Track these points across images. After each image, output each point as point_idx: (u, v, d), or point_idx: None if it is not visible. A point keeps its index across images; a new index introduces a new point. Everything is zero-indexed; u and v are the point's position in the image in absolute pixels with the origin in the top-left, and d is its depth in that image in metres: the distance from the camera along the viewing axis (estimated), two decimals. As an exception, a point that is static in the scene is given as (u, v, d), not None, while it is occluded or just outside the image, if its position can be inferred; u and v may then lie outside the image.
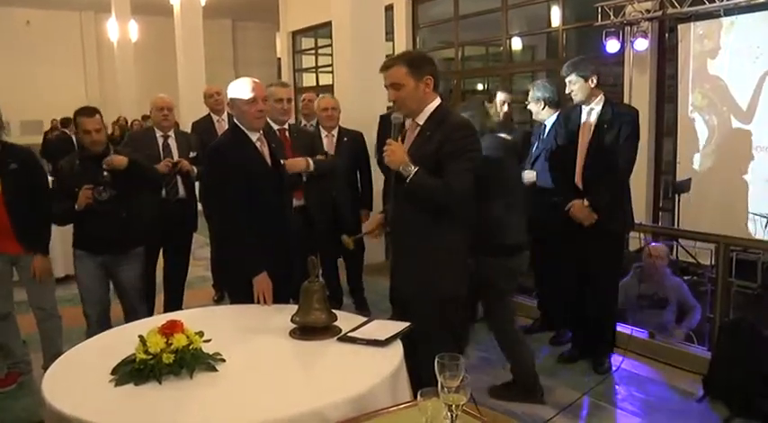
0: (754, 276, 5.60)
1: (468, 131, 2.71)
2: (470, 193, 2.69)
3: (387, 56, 7.36)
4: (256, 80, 3.04)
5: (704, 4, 6.19)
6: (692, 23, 6.66)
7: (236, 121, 3.04)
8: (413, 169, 2.61)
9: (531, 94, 4.47)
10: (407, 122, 2.82)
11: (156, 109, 4.61)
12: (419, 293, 2.75)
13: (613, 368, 3.99)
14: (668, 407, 3.56)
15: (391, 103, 3.67)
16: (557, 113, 4.37)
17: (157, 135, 4.58)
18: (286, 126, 4.16)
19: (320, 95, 5.23)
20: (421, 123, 2.74)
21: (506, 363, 4.01)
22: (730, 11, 6.18)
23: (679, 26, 6.80)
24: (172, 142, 4.60)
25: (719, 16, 6.32)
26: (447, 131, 2.67)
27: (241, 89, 2.96)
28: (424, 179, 2.62)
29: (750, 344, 3.54)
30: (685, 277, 5.73)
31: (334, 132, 4.86)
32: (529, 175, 4.40)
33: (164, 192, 4.45)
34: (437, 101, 2.76)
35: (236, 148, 2.95)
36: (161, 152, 4.52)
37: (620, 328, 4.23)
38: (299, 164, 3.79)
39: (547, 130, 4.40)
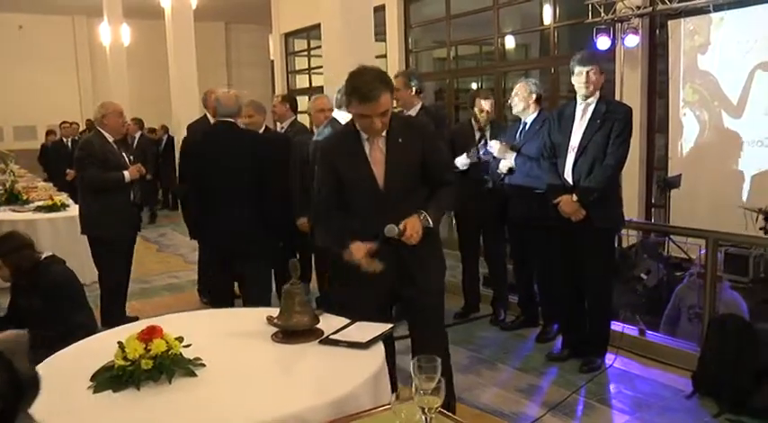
0: (746, 270, 5.60)
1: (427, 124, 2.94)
2: None
3: (376, 57, 7.40)
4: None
5: (693, -1, 6.20)
6: (681, 19, 6.65)
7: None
8: (429, 219, 2.67)
9: (522, 90, 4.41)
10: (370, 140, 2.73)
11: (117, 114, 4.74)
12: (439, 289, 2.96)
13: (604, 366, 3.98)
14: (658, 404, 3.55)
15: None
16: (538, 111, 4.40)
17: (110, 141, 4.73)
18: None
19: (314, 96, 5.12)
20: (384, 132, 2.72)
21: (497, 362, 4.04)
22: (719, 6, 6.18)
23: (669, 22, 6.79)
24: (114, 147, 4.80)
25: (709, 12, 6.31)
26: (421, 134, 2.81)
27: None
28: (439, 208, 2.76)
29: (738, 339, 3.54)
30: (677, 273, 5.75)
31: None
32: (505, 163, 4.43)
33: (132, 196, 4.75)
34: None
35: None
36: (126, 158, 4.78)
37: (612, 325, 4.22)
38: None
39: (528, 127, 4.41)
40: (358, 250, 2.63)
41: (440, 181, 2.82)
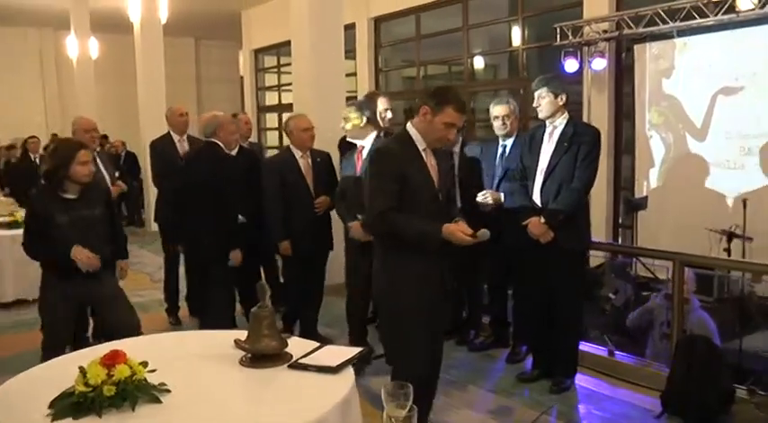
0: (710, 290, 5.69)
1: None
2: None
3: (346, 75, 7.42)
4: None
5: (658, 25, 6.33)
6: (647, 44, 6.80)
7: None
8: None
9: (508, 108, 4.31)
10: (426, 151, 2.92)
11: (83, 130, 4.58)
12: None
13: (574, 386, 3.98)
14: (627, 424, 3.57)
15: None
16: (516, 134, 4.35)
17: None
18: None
19: (296, 114, 4.87)
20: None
21: (467, 383, 4.01)
22: (683, 32, 6.33)
23: (635, 46, 6.94)
24: (99, 163, 4.63)
25: (673, 37, 6.46)
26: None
27: None
28: None
29: (705, 359, 3.57)
30: (644, 293, 5.82)
31: (308, 153, 4.63)
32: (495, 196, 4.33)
33: (125, 211, 4.58)
34: None
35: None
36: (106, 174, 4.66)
37: (581, 345, 4.23)
38: None
39: (509, 152, 4.33)
40: (455, 229, 2.75)
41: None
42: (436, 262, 2.91)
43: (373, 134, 4.30)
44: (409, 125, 2.95)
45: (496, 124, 4.37)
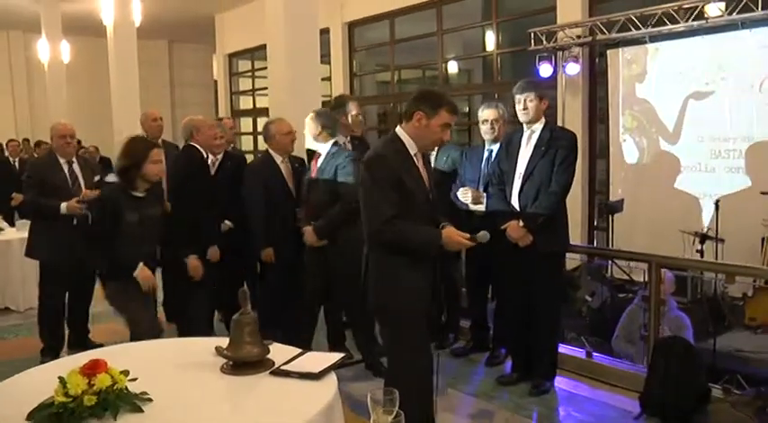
0: (684, 291, 5.78)
1: None
2: None
3: (322, 79, 7.39)
4: None
5: (631, 30, 6.43)
6: (620, 49, 6.91)
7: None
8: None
9: (497, 113, 4.32)
10: (417, 155, 2.95)
11: (58, 136, 4.51)
12: None
13: (554, 389, 4.01)
14: (606, 425, 3.60)
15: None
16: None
17: (61, 162, 4.52)
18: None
19: (276, 119, 4.67)
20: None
21: (447, 387, 4.01)
22: (654, 38, 6.44)
23: (608, 51, 7.04)
24: (76, 168, 4.57)
25: (645, 43, 6.57)
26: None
27: None
28: None
29: (683, 361, 3.62)
30: (620, 295, 5.89)
31: (287, 158, 4.51)
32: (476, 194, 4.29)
33: (74, 220, 4.41)
34: None
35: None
36: (68, 178, 4.50)
37: (559, 348, 4.26)
38: None
39: (494, 157, 4.29)
40: (455, 233, 2.82)
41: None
42: (430, 265, 2.94)
43: (330, 142, 4.27)
44: (400, 130, 2.93)
45: (484, 128, 4.37)
